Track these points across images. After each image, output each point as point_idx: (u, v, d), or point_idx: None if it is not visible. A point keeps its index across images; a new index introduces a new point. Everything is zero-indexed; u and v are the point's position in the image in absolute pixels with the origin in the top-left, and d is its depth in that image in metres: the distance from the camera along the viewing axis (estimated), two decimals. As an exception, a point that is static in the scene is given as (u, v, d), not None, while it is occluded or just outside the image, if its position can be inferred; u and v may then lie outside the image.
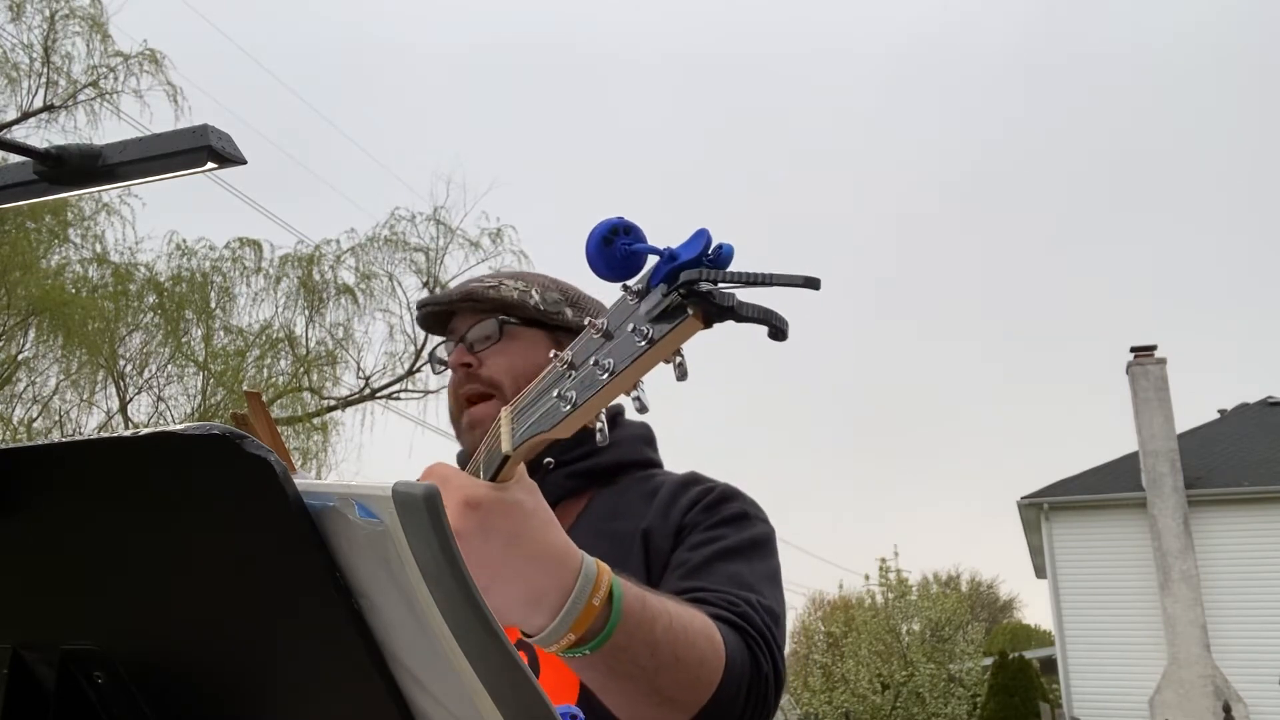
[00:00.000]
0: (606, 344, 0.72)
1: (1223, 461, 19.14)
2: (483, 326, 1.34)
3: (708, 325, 0.67)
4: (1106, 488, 19.17)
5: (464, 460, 1.34)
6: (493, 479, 0.84)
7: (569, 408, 0.74)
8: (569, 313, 1.36)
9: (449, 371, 1.37)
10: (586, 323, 0.74)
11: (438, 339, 1.44)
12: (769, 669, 1.06)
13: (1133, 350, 19.56)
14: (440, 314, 1.41)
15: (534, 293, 1.35)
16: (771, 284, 0.66)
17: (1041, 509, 19.17)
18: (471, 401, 1.33)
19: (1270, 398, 21.95)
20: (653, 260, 0.70)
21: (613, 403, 0.72)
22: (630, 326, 0.70)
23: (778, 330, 0.66)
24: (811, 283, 0.66)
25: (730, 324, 0.68)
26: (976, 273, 67.51)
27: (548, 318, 1.34)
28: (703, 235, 0.68)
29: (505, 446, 0.82)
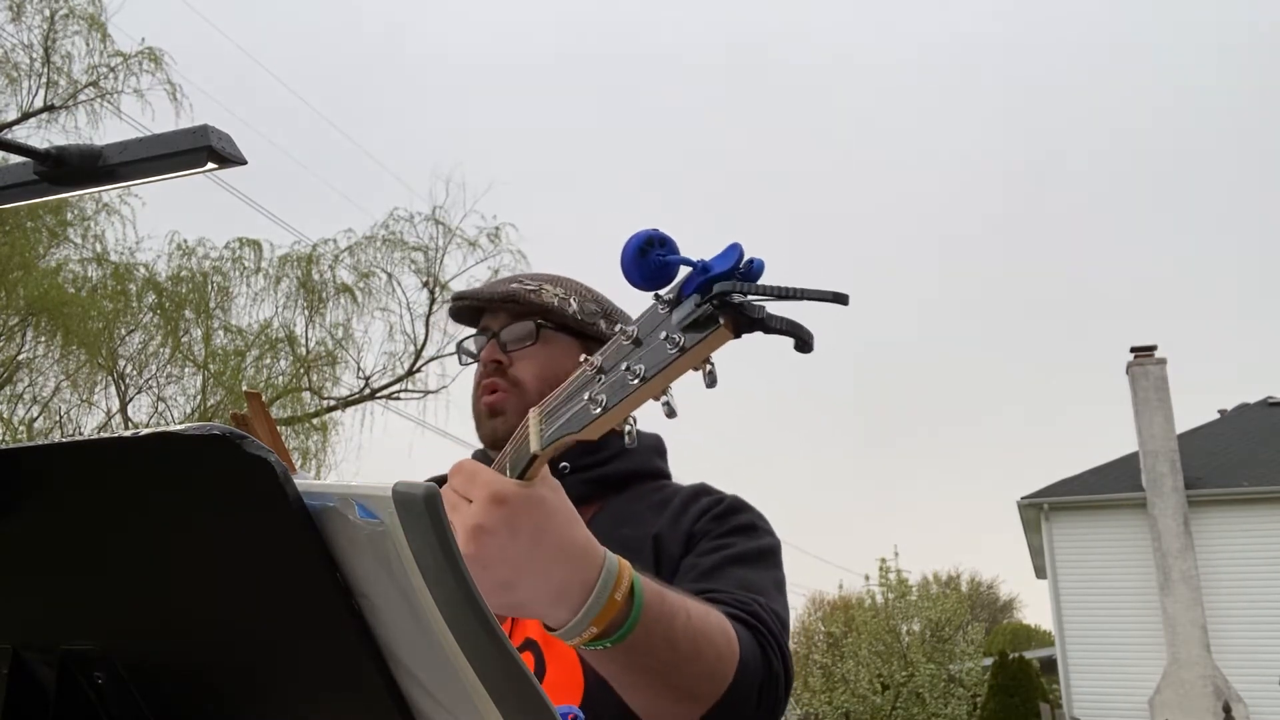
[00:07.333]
0: (637, 350, 0.74)
1: (1223, 461, 19.13)
2: (518, 327, 1.38)
3: (737, 335, 0.69)
4: (1106, 488, 19.16)
5: (483, 460, 1.38)
6: (520, 477, 0.86)
7: (599, 410, 0.75)
8: (603, 325, 1.40)
9: (460, 365, 1.43)
10: (617, 329, 0.76)
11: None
12: (780, 668, 1.08)
13: (1133, 350, 19.55)
14: (475, 308, 1.45)
15: (572, 301, 1.40)
16: (801, 298, 0.68)
17: (1041, 509, 19.17)
18: (491, 393, 1.38)
19: (1270, 398, 21.94)
20: (685, 271, 0.73)
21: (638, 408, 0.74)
22: (662, 334, 0.72)
23: (804, 343, 0.68)
24: (840, 298, 0.68)
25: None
26: (977, 275, 67.57)
27: (583, 327, 1.38)
28: (735, 249, 0.70)
29: (534, 446, 0.84)
